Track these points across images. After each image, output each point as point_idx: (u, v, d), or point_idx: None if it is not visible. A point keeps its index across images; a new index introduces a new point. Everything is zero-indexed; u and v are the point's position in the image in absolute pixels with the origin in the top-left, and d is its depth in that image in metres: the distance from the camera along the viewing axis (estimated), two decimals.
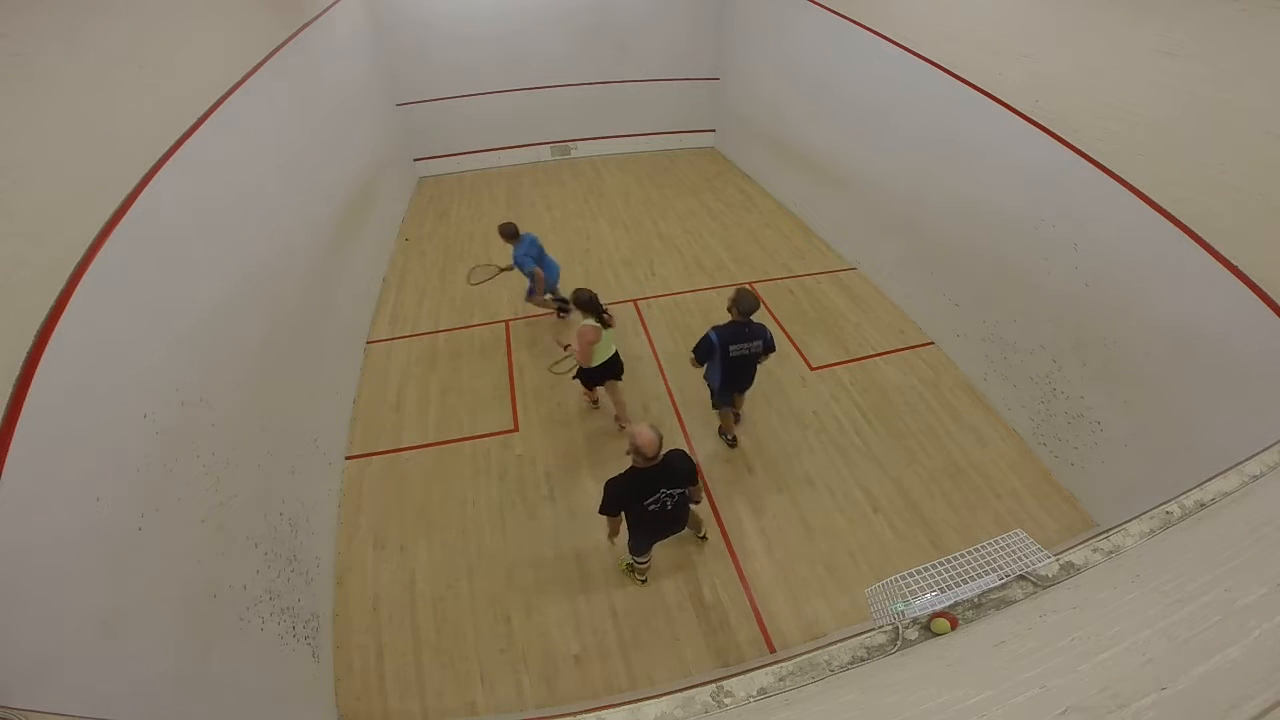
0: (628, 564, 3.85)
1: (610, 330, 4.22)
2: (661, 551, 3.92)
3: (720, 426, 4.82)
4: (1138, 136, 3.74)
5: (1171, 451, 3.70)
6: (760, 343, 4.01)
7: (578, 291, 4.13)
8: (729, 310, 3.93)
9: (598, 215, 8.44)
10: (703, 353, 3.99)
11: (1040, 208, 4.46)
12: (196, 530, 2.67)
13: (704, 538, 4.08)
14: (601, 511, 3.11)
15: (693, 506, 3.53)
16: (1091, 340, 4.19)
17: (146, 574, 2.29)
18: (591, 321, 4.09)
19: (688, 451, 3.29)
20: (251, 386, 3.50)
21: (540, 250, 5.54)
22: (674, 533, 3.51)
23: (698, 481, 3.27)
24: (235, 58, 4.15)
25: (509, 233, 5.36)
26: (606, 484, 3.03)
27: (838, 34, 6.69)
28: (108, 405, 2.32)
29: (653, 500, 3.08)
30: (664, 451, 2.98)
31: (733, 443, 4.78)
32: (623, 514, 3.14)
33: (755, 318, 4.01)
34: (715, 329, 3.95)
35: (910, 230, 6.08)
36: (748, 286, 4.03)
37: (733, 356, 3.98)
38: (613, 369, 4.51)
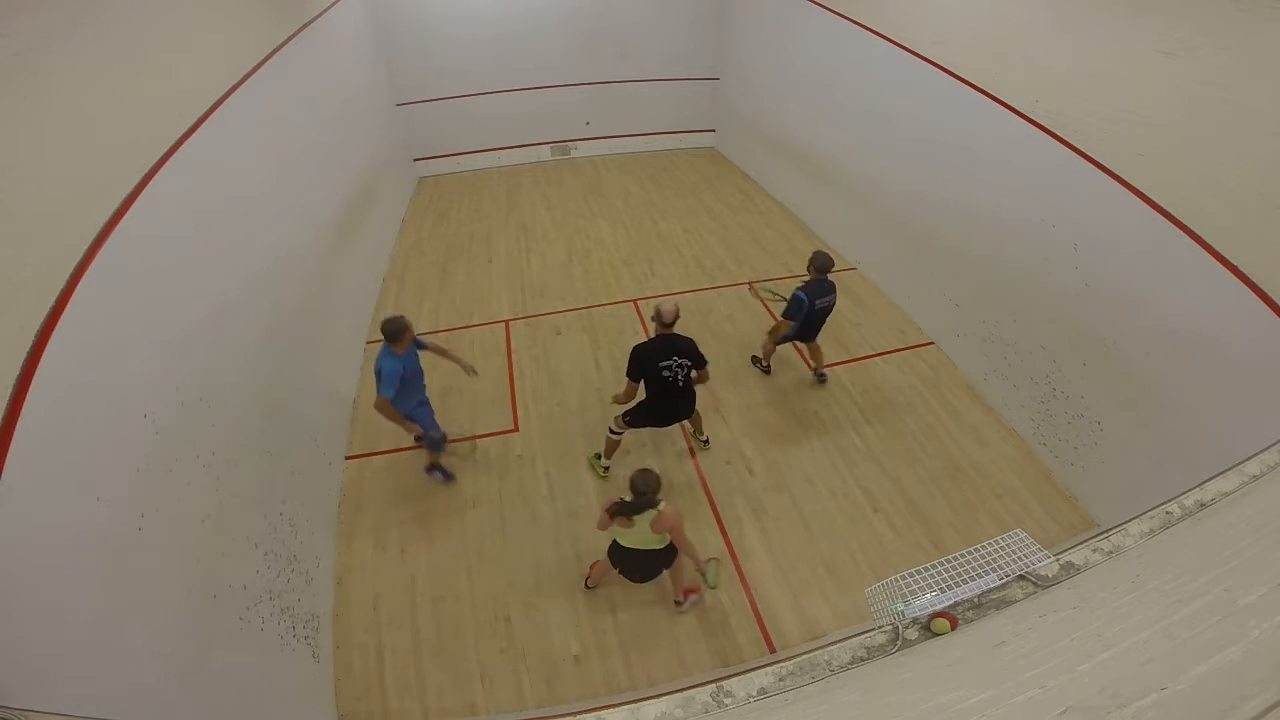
0: (595, 454, 4.50)
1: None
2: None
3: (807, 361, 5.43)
4: (1138, 136, 3.73)
5: (1171, 451, 3.70)
6: (834, 296, 4.77)
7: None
8: (808, 269, 4.62)
9: (598, 215, 8.44)
10: (793, 310, 4.64)
11: (1040, 208, 4.46)
12: (196, 530, 2.67)
13: (705, 441, 4.58)
14: (628, 374, 3.78)
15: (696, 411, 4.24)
16: (1091, 340, 4.19)
17: (146, 574, 2.29)
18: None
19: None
20: (252, 386, 3.50)
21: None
22: (682, 416, 4.12)
23: (704, 363, 3.86)
24: (235, 58, 4.15)
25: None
26: (633, 349, 3.76)
27: (838, 34, 6.69)
28: (108, 405, 2.32)
29: (666, 365, 3.71)
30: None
31: (822, 378, 5.38)
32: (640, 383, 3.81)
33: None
34: (802, 288, 4.60)
35: (910, 230, 6.08)
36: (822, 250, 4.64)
37: (818, 309, 4.68)
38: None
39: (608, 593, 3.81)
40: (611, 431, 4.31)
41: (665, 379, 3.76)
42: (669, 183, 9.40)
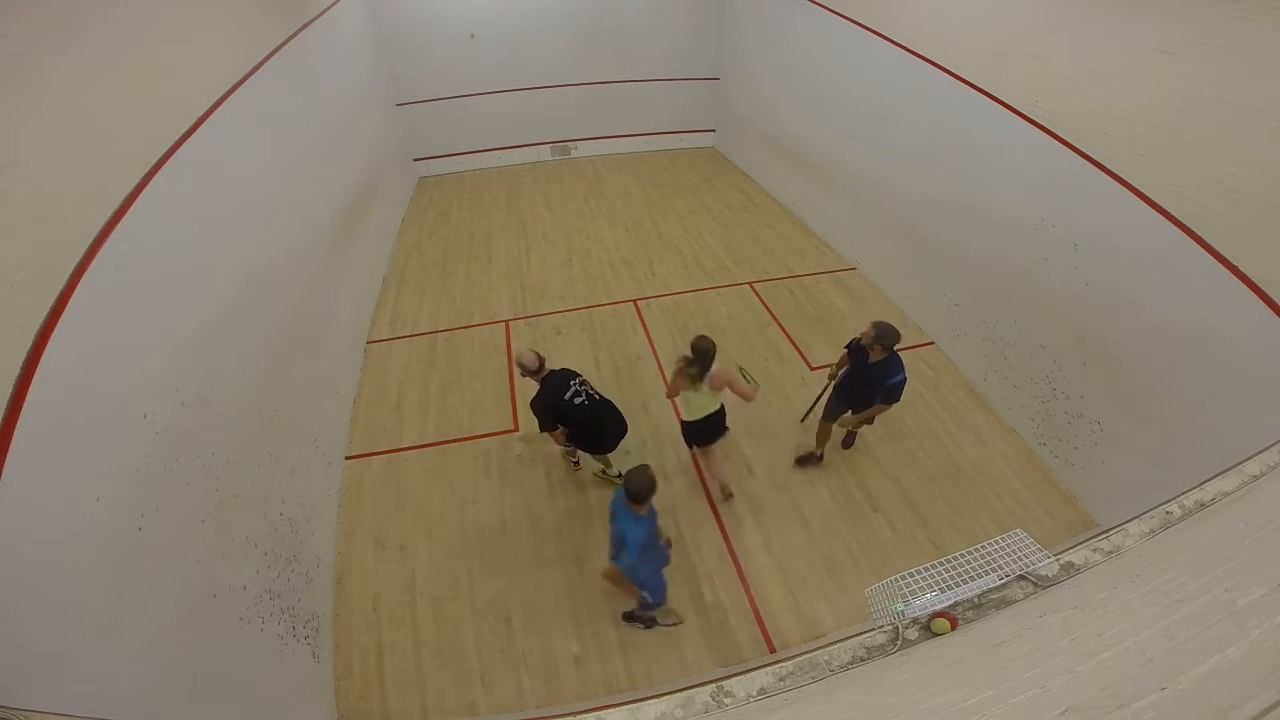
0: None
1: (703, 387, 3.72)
2: None
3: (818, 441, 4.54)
4: (1138, 136, 3.73)
5: (1172, 451, 3.70)
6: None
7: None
8: (871, 347, 3.73)
9: (598, 215, 8.44)
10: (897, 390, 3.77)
11: (1040, 208, 4.46)
12: (196, 530, 2.67)
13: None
14: (545, 423, 3.84)
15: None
16: (1091, 340, 4.18)
17: (146, 574, 2.29)
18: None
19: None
20: (252, 386, 3.50)
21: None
22: (605, 440, 4.00)
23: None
24: (235, 58, 4.15)
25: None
26: (540, 407, 3.83)
27: (838, 34, 6.68)
28: (108, 405, 2.32)
29: (573, 393, 3.78)
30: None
31: (820, 459, 4.58)
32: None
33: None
34: (898, 366, 3.74)
35: (910, 230, 6.08)
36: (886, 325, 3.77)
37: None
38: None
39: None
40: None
41: (579, 405, 3.82)
42: (669, 183, 9.40)
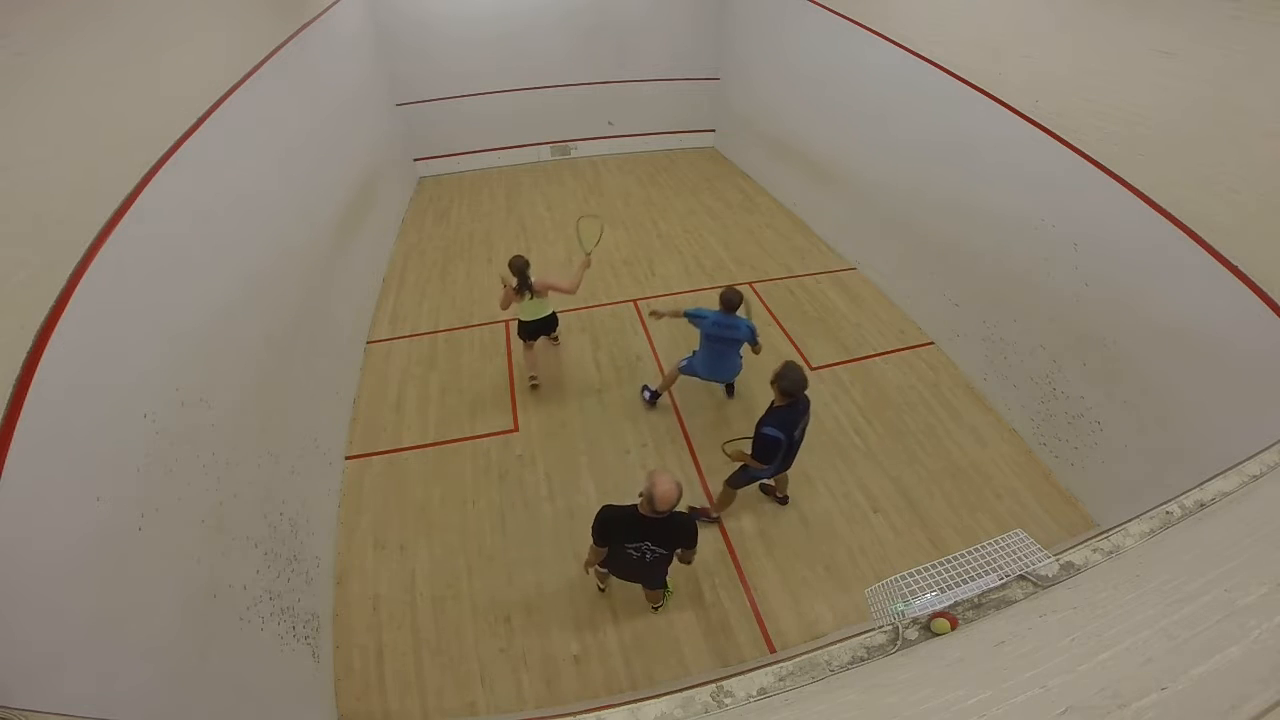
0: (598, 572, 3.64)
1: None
2: None
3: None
4: (1138, 136, 3.74)
5: (1171, 451, 3.70)
6: (808, 416, 3.56)
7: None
8: (775, 386, 3.28)
9: (598, 215, 8.43)
10: (768, 451, 3.36)
11: (1040, 207, 4.46)
12: (196, 530, 2.66)
13: (657, 608, 3.71)
14: (594, 537, 2.91)
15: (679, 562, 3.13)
16: (1091, 340, 4.19)
17: (147, 574, 2.29)
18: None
19: (693, 511, 3.34)
20: (252, 386, 3.50)
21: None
22: (642, 584, 3.38)
23: (693, 545, 2.93)
24: (235, 58, 4.14)
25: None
26: (601, 510, 2.87)
27: (838, 34, 6.69)
28: (108, 405, 2.32)
29: (634, 547, 2.90)
30: (674, 509, 2.71)
31: (784, 501, 4.35)
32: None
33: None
34: (772, 421, 3.31)
35: (910, 230, 6.08)
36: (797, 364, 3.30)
37: (795, 440, 3.53)
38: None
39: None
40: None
41: (632, 556, 2.97)
42: (669, 183, 9.40)
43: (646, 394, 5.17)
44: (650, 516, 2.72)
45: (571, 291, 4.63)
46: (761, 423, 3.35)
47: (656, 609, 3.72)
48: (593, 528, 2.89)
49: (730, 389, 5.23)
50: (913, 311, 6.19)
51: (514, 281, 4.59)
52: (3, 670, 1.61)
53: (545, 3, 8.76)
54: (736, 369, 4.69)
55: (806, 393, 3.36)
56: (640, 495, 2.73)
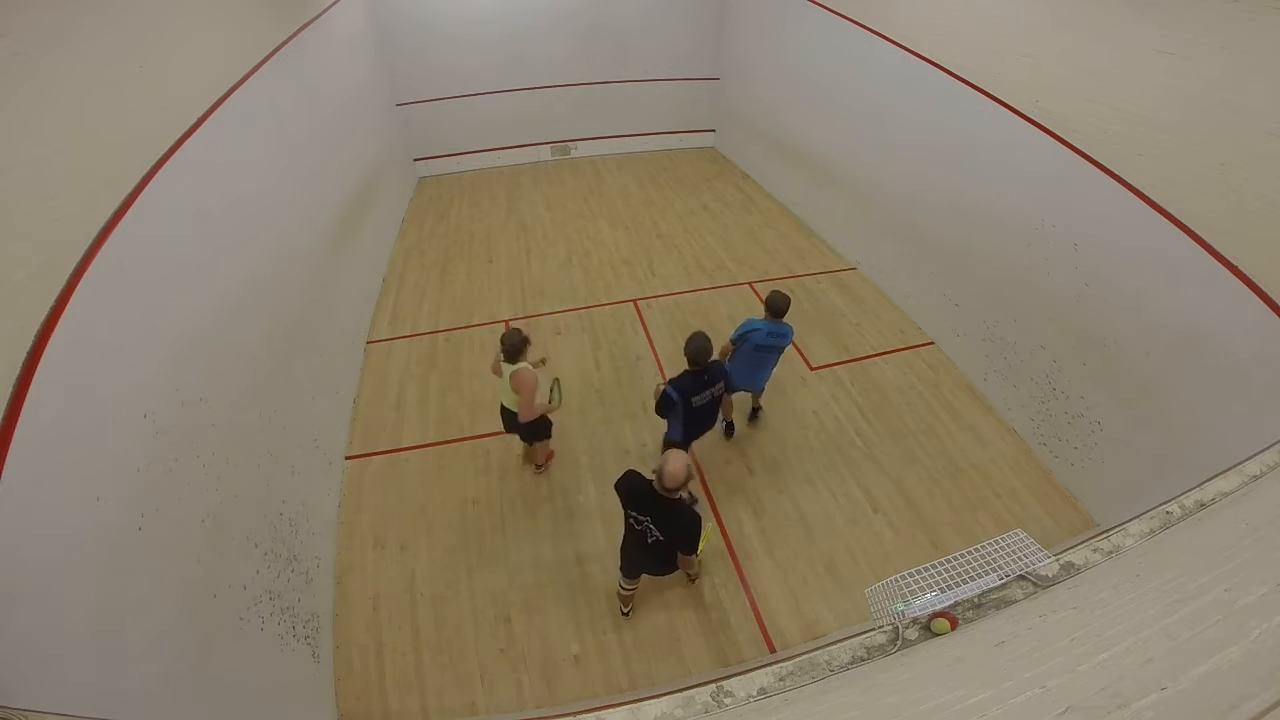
0: (619, 588, 3.67)
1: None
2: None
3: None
4: (1137, 136, 3.73)
5: (1171, 451, 3.70)
6: (720, 385, 3.70)
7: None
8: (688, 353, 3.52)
9: (598, 215, 8.43)
10: (665, 407, 3.66)
11: (1040, 208, 4.46)
12: (196, 530, 2.66)
13: (693, 575, 3.84)
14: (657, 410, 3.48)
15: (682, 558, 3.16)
16: (1091, 340, 4.19)
17: (146, 574, 2.29)
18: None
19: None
20: (252, 386, 3.50)
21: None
22: (652, 572, 3.40)
23: (691, 549, 3.00)
24: (235, 57, 4.14)
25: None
26: (627, 471, 3.05)
27: (838, 34, 6.69)
28: (108, 405, 2.32)
29: (637, 519, 2.98)
30: (681, 493, 2.83)
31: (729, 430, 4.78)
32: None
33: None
34: (675, 384, 3.60)
35: (910, 230, 6.08)
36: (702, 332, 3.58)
37: (695, 407, 3.66)
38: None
39: (608, 593, 3.81)
40: (622, 588, 3.65)
41: (633, 529, 3.06)
42: (669, 183, 9.40)
43: (725, 426, 4.82)
44: (660, 494, 2.82)
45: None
46: (669, 380, 3.69)
47: (693, 577, 3.86)
48: (618, 482, 3.05)
49: (729, 428, 4.86)
50: (913, 311, 6.19)
51: (499, 353, 3.80)
52: (3, 670, 1.61)
53: (545, 3, 8.75)
54: (768, 376, 4.46)
55: (733, 377, 3.80)
56: (653, 471, 2.84)
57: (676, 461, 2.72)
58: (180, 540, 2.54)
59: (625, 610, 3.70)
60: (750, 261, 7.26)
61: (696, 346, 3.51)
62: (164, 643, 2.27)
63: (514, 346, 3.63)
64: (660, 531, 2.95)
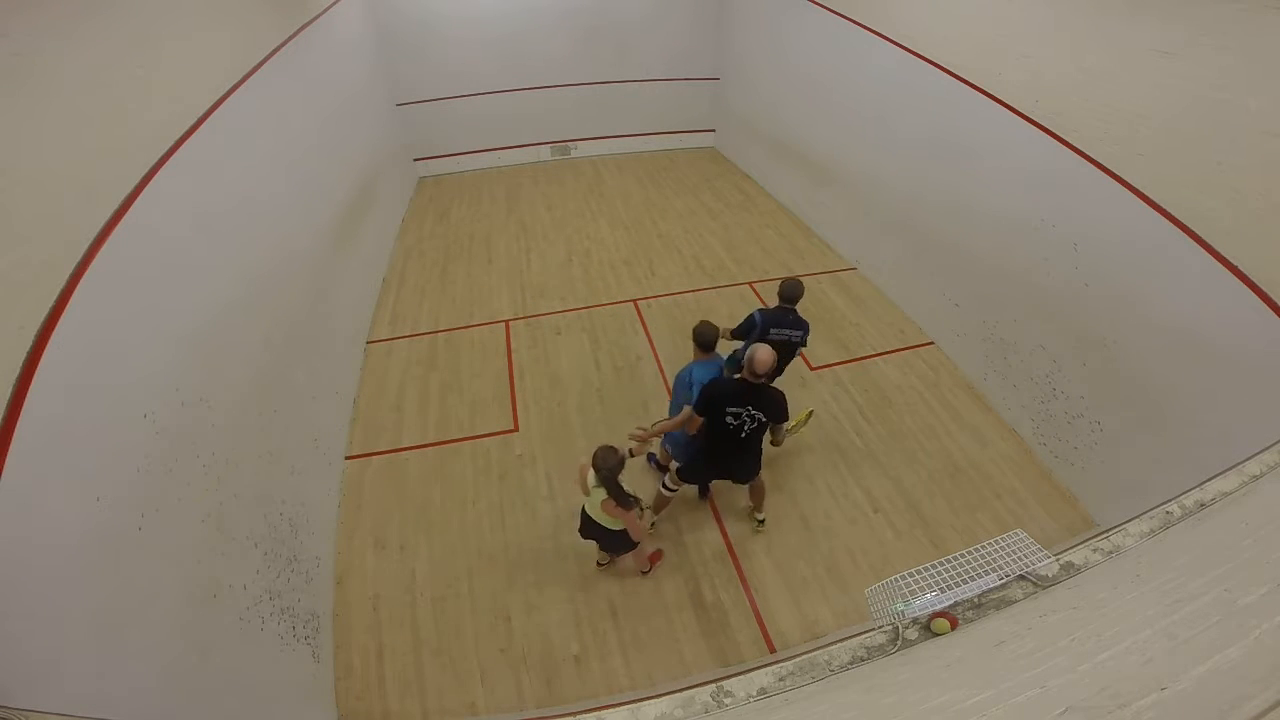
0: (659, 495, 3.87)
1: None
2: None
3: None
4: (1137, 136, 3.73)
5: (1171, 451, 3.70)
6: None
7: None
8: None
9: (598, 215, 8.44)
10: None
11: (1040, 208, 4.46)
12: (196, 530, 2.67)
13: (761, 521, 4.11)
14: (695, 409, 3.32)
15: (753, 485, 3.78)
16: (1091, 340, 4.18)
17: (147, 574, 2.29)
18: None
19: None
20: (252, 386, 3.50)
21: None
22: (735, 475, 3.70)
23: (785, 419, 3.39)
24: (236, 57, 4.15)
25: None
26: (705, 385, 3.30)
27: (838, 34, 6.69)
28: (108, 405, 2.32)
29: (734, 413, 3.27)
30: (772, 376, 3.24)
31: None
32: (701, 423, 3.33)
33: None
34: (762, 310, 3.92)
35: (910, 230, 6.08)
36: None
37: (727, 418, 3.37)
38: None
39: (608, 593, 3.81)
40: (664, 488, 3.74)
41: (730, 427, 3.29)
42: (669, 183, 9.40)
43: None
44: (752, 383, 3.17)
45: (635, 533, 3.30)
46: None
47: (761, 521, 4.08)
48: (697, 402, 3.32)
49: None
50: (913, 311, 6.19)
51: (584, 465, 3.28)
52: (3, 670, 1.61)
53: (545, 3, 8.76)
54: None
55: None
56: (740, 367, 3.23)
57: (763, 350, 3.09)
58: (180, 540, 2.54)
59: (652, 523, 3.98)
60: (750, 261, 7.26)
61: (791, 285, 3.95)
62: (164, 643, 2.27)
63: (610, 470, 3.05)
64: (761, 412, 3.27)
